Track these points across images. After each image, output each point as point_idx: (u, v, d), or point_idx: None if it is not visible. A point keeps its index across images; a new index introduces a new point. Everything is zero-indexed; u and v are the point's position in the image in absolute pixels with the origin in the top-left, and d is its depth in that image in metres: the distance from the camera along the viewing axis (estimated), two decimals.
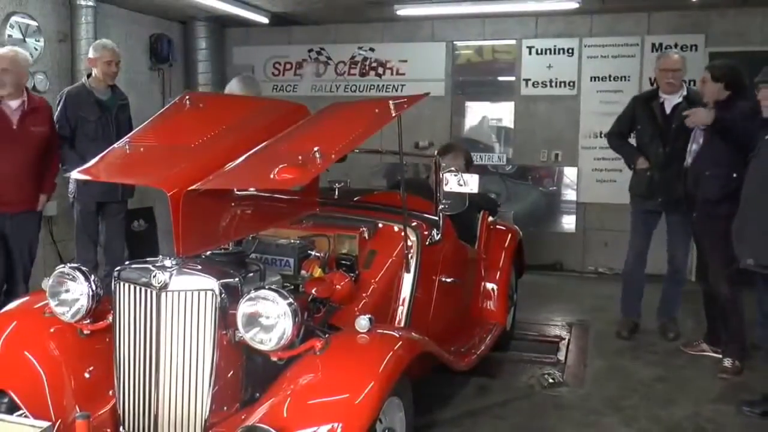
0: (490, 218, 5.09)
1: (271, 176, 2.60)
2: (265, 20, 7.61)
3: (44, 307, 2.97)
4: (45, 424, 2.14)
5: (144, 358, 2.72)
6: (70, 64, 6.46)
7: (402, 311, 3.62)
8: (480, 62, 8.13)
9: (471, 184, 3.97)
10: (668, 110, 5.16)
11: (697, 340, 5.09)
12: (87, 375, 2.87)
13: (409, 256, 3.64)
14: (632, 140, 5.53)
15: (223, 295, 2.67)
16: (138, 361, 2.73)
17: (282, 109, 3.62)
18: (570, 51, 7.52)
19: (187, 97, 3.42)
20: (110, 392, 2.83)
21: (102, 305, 2.94)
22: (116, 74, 5.17)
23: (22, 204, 4.61)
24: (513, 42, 7.76)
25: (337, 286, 3.17)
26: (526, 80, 7.69)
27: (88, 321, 2.93)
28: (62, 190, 5.26)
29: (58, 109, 4.99)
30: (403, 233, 3.62)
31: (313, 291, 3.05)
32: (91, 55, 5.11)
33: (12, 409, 2.69)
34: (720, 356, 4.74)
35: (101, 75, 5.07)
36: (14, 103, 4.48)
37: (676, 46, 7.12)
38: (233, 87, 4.72)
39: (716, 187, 4.52)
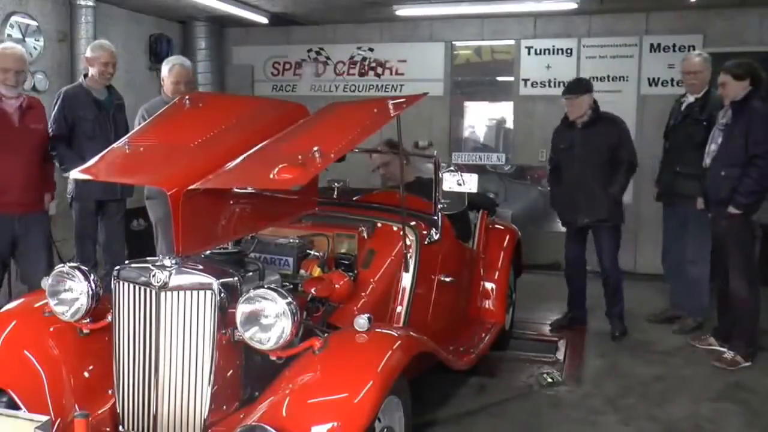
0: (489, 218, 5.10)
1: (271, 176, 2.61)
2: (264, 20, 7.62)
3: (44, 307, 2.98)
4: (44, 417, 2.15)
5: (143, 358, 2.72)
6: (69, 64, 6.46)
7: (401, 310, 3.62)
8: (479, 62, 8.13)
9: (469, 183, 3.98)
10: (682, 109, 5.36)
11: (705, 334, 5.14)
12: (86, 374, 2.87)
13: (408, 255, 3.65)
14: None
15: (222, 294, 2.67)
16: (137, 361, 2.74)
17: (281, 109, 3.63)
18: (568, 51, 7.53)
19: (187, 97, 3.43)
20: (110, 391, 2.84)
21: (101, 304, 2.94)
22: (112, 75, 5.14)
23: (31, 204, 4.54)
24: (512, 42, 7.77)
25: (336, 286, 3.18)
26: (525, 80, 7.70)
27: (88, 320, 2.94)
28: (61, 190, 5.25)
29: (56, 108, 4.98)
30: (401, 233, 3.63)
31: (312, 290, 3.07)
32: (88, 54, 5.07)
33: (11, 407, 2.68)
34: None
35: (97, 75, 5.05)
36: (14, 102, 4.44)
37: (674, 46, 7.14)
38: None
39: (729, 187, 4.57)
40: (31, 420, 2.17)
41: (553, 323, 5.61)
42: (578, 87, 5.21)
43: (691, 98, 5.31)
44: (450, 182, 4.05)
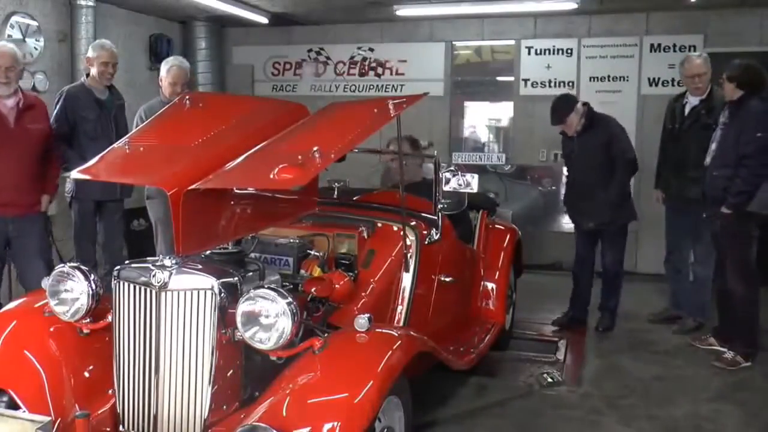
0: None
1: (271, 176, 2.60)
2: (264, 20, 7.62)
3: (44, 307, 2.98)
4: (45, 418, 2.16)
5: (143, 358, 2.72)
6: (69, 64, 6.46)
7: (401, 310, 3.62)
8: (479, 62, 8.14)
9: (470, 183, 3.98)
10: (686, 112, 5.26)
11: (705, 334, 5.15)
12: (87, 374, 2.87)
13: (408, 255, 3.65)
14: None
15: (222, 294, 2.67)
16: (138, 361, 2.74)
17: (281, 109, 3.63)
18: (569, 51, 7.53)
19: (187, 97, 3.43)
20: (110, 391, 2.84)
21: (102, 304, 2.95)
22: (113, 76, 5.13)
23: (24, 206, 4.47)
24: (512, 42, 7.78)
25: (336, 286, 3.18)
26: (525, 80, 7.70)
27: (88, 320, 2.94)
28: (60, 190, 5.25)
29: (57, 107, 4.97)
30: (402, 232, 3.63)
31: (312, 290, 3.07)
32: (89, 54, 5.08)
33: (12, 408, 2.69)
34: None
35: (97, 75, 5.05)
36: (10, 102, 4.37)
37: (674, 46, 7.15)
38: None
39: (722, 187, 4.56)
40: (33, 420, 2.18)
41: (554, 322, 5.61)
42: (561, 113, 5.26)
43: (695, 101, 5.18)
44: (450, 182, 4.05)
